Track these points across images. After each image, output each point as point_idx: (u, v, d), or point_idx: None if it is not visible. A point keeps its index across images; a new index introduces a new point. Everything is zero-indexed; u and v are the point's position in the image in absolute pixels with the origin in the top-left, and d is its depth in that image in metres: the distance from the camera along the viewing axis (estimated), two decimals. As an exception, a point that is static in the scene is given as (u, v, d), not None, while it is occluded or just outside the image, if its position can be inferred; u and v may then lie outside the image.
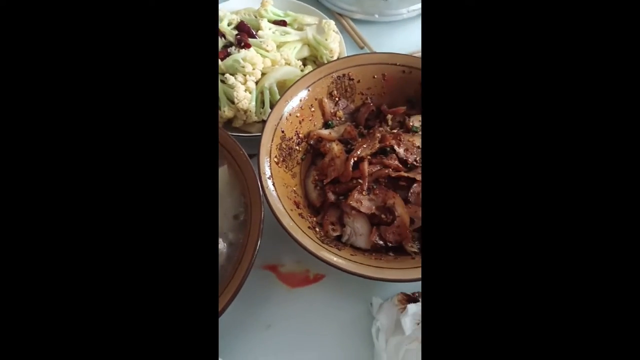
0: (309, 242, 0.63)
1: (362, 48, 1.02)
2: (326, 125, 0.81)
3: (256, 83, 0.79)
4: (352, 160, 0.72)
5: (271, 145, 0.71)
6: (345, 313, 0.71)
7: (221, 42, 0.83)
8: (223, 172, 0.70)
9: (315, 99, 0.79)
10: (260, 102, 0.80)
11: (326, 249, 0.64)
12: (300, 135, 0.78)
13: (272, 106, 0.81)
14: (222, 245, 0.64)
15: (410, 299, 0.67)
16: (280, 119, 0.74)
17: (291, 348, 0.68)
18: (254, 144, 0.73)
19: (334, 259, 0.62)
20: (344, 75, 0.80)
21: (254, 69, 0.77)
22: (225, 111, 0.78)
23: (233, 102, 0.78)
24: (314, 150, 0.79)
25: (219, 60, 0.80)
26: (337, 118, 0.82)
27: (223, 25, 0.86)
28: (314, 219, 0.72)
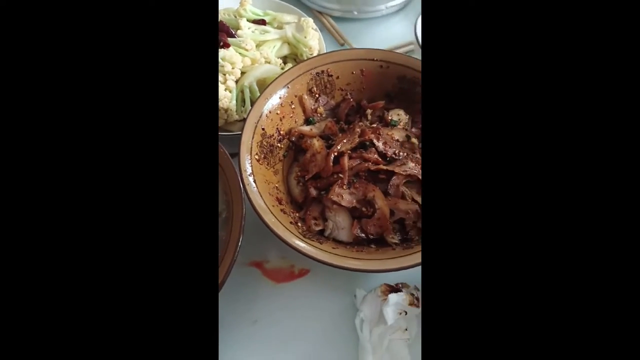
0: (291, 237, 0.64)
1: (342, 45, 1.03)
2: (307, 121, 0.82)
3: (236, 82, 0.80)
4: (333, 155, 0.73)
5: (252, 142, 0.72)
6: (330, 306, 0.72)
7: (200, 42, 0.84)
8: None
9: (295, 96, 0.80)
10: (241, 101, 0.81)
11: (308, 244, 0.65)
12: (282, 132, 0.79)
13: (252, 104, 0.82)
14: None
15: (393, 289, 0.68)
16: (260, 117, 0.74)
17: (278, 342, 0.69)
18: (236, 142, 0.73)
19: (316, 253, 0.63)
20: (323, 71, 0.81)
21: (233, 68, 0.78)
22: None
23: (213, 102, 0.79)
24: (296, 147, 0.80)
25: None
26: (318, 114, 0.83)
27: (202, 26, 0.86)
28: (297, 214, 0.73)
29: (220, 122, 0.82)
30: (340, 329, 0.70)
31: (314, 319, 0.71)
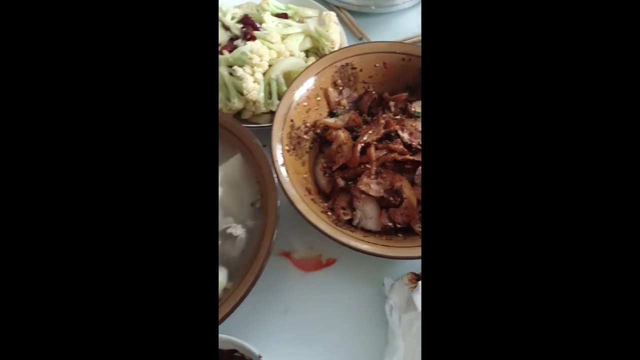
0: (325, 226, 0.65)
1: (360, 39, 1.04)
2: (331, 114, 0.84)
3: (263, 74, 0.81)
4: (360, 146, 0.74)
5: (282, 134, 0.74)
6: (358, 294, 0.73)
7: (226, 35, 0.85)
8: (237, 160, 0.72)
9: (321, 89, 0.81)
10: (268, 94, 0.82)
11: (341, 232, 0.66)
12: (308, 124, 0.80)
13: (279, 97, 0.83)
14: (241, 231, 0.66)
15: (419, 277, 0.70)
16: (289, 109, 0.76)
17: (309, 331, 0.71)
18: (263, 134, 0.75)
19: (350, 241, 0.65)
20: (347, 64, 0.82)
21: (261, 61, 0.79)
22: (235, 103, 0.80)
23: (242, 94, 0.80)
24: (321, 139, 0.81)
25: (227, 52, 0.81)
26: (342, 107, 0.84)
27: (227, 20, 0.87)
28: (325, 204, 0.74)
29: (248, 114, 0.83)
30: (368, 316, 0.71)
31: (342, 307, 0.73)
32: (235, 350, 0.64)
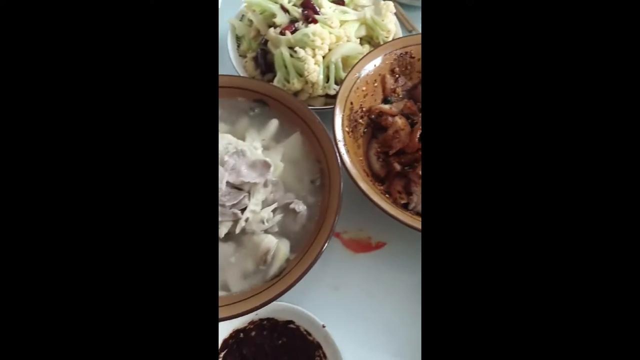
0: (387, 206, 0.66)
1: (410, 31, 1.05)
2: (385, 101, 0.85)
3: (323, 57, 0.82)
4: (419, 133, 0.75)
5: (343, 115, 0.75)
6: (407, 279, 0.74)
7: (286, 17, 0.86)
8: (296, 138, 0.74)
9: (379, 75, 0.82)
10: (326, 77, 0.83)
11: (402, 212, 0.67)
12: (364, 109, 0.81)
13: (336, 80, 0.84)
14: (303, 207, 0.67)
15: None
16: (350, 91, 0.77)
17: (359, 308, 0.72)
18: (320, 117, 0.76)
19: (414, 223, 0.65)
20: (406, 52, 0.83)
21: (322, 44, 0.80)
22: (295, 83, 0.81)
23: (301, 75, 0.81)
24: (375, 124, 0.82)
25: (288, 33, 0.82)
26: (396, 94, 0.85)
27: (284, 2, 0.88)
28: (381, 187, 0.75)
29: (305, 95, 0.84)
30: (417, 298, 0.72)
31: (391, 290, 0.74)
32: (291, 322, 0.66)
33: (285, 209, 0.68)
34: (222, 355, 0.64)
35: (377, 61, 0.81)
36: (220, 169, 0.64)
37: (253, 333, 0.65)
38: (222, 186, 0.63)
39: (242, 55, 0.94)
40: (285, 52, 0.82)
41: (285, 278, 0.61)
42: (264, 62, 0.88)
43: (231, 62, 0.90)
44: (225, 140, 0.71)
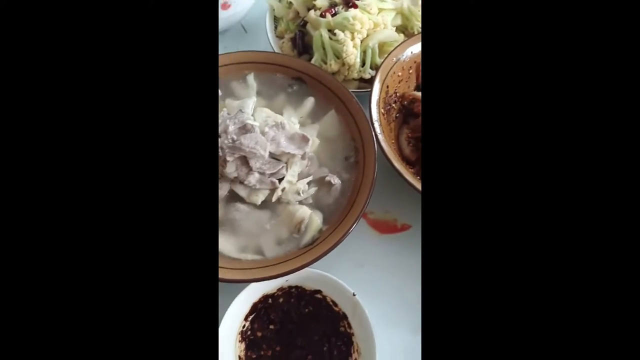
0: (420, 187, 0.68)
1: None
2: (418, 88, 0.86)
3: (360, 42, 0.84)
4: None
5: (379, 97, 0.77)
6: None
7: (326, 0, 0.88)
8: (332, 116, 0.76)
9: (415, 62, 0.84)
10: (362, 61, 0.85)
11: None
12: (397, 94, 0.83)
13: (371, 66, 0.86)
14: (337, 181, 0.69)
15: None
16: (387, 74, 0.79)
17: (382, 287, 0.73)
18: (355, 98, 0.78)
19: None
20: (441, 42, 0.85)
21: (361, 28, 0.82)
22: (332, 65, 0.83)
23: (339, 57, 0.83)
24: (407, 111, 0.84)
25: (329, 16, 0.85)
26: (428, 83, 0.87)
27: (326, -14, 0.90)
28: (412, 170, 0.77)
29: (340, 77, 0.86)
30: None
31: (414, 269, 0.75)
32: (318, 291, 0.68)
33: (320, 183, 0.70)
34: (250, 318, 0.66)
35: (415, 48, 0.83)
36: (262, 137, 0.66)
37: (281, 300, 0.67)
38: (265, 154, 0.65)
39: (279, 37, 0.96)
40: (325, 34, 0.84)
41: (318, 247, 0.63)
42: (302, 43, 0.90)
43: (269, 42, 0.93)
44: (264, 114, 0.73)
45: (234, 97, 0.78)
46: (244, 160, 0.65)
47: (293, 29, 0.93)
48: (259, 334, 0.66)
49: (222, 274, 0.61)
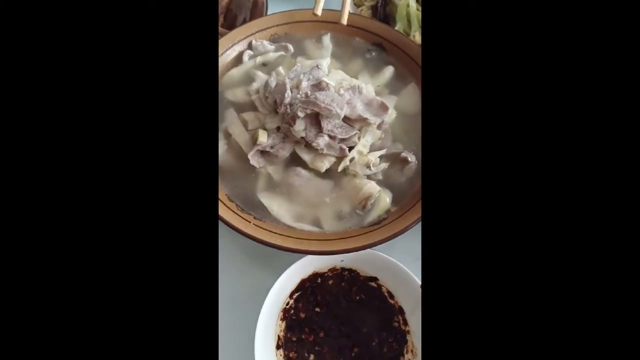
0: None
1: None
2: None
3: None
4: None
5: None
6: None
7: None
8: (411, 89, 0.68)
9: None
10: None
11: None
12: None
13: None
14: (413, 158, 0.61)
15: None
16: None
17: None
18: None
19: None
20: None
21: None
22: (416, 36, 0.76)
23: (425, 29, 0.76)
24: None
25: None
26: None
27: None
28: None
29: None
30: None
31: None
32: (374, 279, 0.60)
33: (393, 159, 0.62)
34: (296, 295, 0.59)
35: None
36: (338, 96, 0.59)
37: (331, 281, 0.60)
38: (341, 114, 0.58)
39: (357, 5, 0.89)
40: (412, 3, 0.76)
41: (385, 228, 0.56)
42: (383, 12, 0.83)
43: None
44: (339, 76, 0.66)
45: (306, 56, 0.72)
46: (316, 120, 0.58)
47: (375, -4, 0.85)
48: (302, 315, 0.59)
49: (274, 239, 0.55)
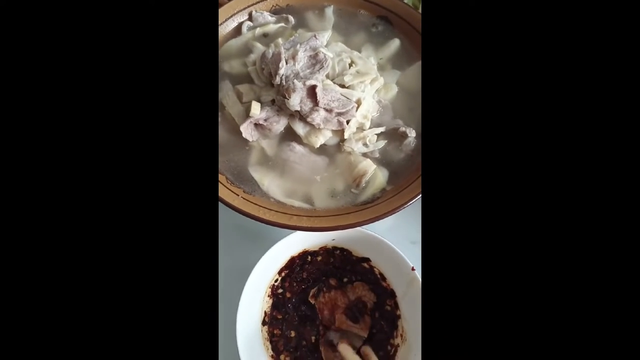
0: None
1: None
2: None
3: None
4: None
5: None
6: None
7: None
8: (416, 68, 0.65)
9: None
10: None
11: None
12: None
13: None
14: (413, 134, 0.58)
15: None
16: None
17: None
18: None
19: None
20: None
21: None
22: (425, 9, 0.72)
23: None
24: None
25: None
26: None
27: None
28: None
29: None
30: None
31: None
32: (366, 259, 0.58)
33: (391, 135, 0.59)
34: (284, 273, 0.58)
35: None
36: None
37: (319, 258, 0.59)
38: (337, 87, 0.55)
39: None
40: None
41: (378, 206, 0.54)
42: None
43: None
44: (339, 48, 0.63)
45: (307, 28, 0.69)
46: (311, 92, 0.56)
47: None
48: (288, 294, 0.58)
49: (261, 213, 0.53)
